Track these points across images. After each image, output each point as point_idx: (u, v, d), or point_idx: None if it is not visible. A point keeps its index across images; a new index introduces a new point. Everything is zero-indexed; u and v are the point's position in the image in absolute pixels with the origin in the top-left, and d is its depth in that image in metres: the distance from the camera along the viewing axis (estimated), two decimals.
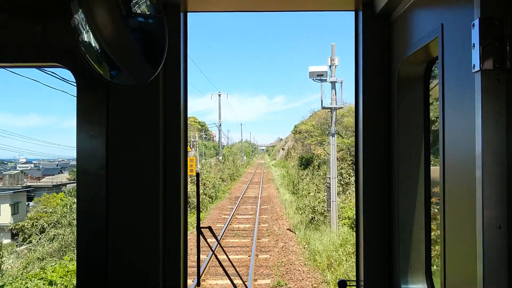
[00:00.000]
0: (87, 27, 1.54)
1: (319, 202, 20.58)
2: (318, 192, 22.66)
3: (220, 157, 54.62)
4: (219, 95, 57.85)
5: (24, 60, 2.06)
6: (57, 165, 72.41)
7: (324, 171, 28.18)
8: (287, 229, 19.25)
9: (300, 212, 21.62)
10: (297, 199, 27.12)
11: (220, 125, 57.18)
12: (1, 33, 1.98)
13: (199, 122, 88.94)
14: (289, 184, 37.18)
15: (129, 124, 2.04)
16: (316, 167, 33.41)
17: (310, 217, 19.71)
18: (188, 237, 2.22)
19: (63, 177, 58.69)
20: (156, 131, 2.04)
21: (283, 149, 76.45)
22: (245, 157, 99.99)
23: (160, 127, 2.05)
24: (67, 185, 47.54)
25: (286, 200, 28.63)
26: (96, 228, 2.01)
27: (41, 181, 57.60)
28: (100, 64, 1.64)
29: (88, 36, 1.56)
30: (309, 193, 24.87)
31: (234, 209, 24.29)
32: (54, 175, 61.55)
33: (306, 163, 41.86)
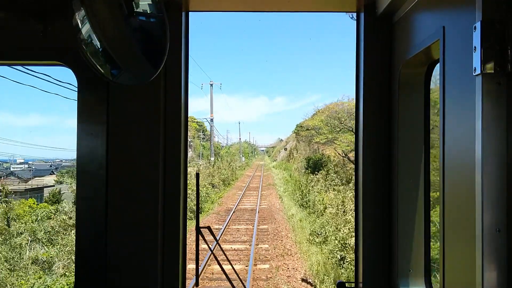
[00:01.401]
0: (89, 26, 1.53)
1: (350, 230, 12.24)
2: (344, 212, 14.35)
3: (212, 158, 45.10)
4: (211, 85, 49.53)
5: (25, 59, 2.08)
6: (50, 166, 68.31)
7: (347, 178, 19.93)
8: (302, 279, 10.93)
9: (318, 241, 13.41)
10: (308, 217, 19.04)
11: (212, 121, 48.18)
12: (3, 31, 1.99)
13: (197, 122, 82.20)
14: (295, 192, 29.49)
15: (130, 123, 2.05)
16: (331, 171, 25.14)
17: (339, 256, 11.39)
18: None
19: (51, 179, 53.75)
20: (156, 131, 2.05)
21: (285, 149, 68.66)
22: (243, 158, 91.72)
23: (160, 127, 2.06)
24: (45, 188, 39.13)
25: (293, 216, 20.40)
26: (96, 227, 2.01)
27: (27, 183, 52.61)
28: (101, 63, 1.63)
29: (89, 35, 1.55)
30: (326, 208, 16.76)
31: (221, 232, 16.12)
32: (43, 176, 58.18)
33: (314, 165, 33.42)
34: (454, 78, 1.36)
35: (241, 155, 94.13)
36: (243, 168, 71.60)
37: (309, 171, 33.19)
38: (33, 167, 66.46)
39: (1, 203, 19.60)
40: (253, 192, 33.59)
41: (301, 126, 55.19)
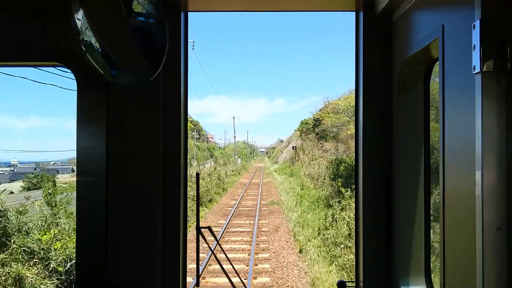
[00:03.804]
0: (88, 26, 1.58)
1: None
2: None
3: None
4: None
5: (24, 59, 2.12)
6: (35, 169, 66.09)
7: None
8: None
9: None
10: None
11: None
12: (2, 32, 2.06)
13: (191, 121, 70.89)
14: (328, 230, 14.22)
15: (130, 123, 2.10)
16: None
17: None
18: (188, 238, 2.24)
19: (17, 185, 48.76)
20: (156, 131, 2.11)
21: (293, 148, 53.84)
22: (239, 160, 76.89)
23: (160, 127, 2.12)
24: None
25: None
26: (96, 227, 2.07)
27: None
28: (101, 64, 1.67)
29: (88, 36, 1.60)
30: None
31: None
32: (14, 181, 52.21)
33: (348, 174, 20.35)
34: (453, 77, 1.40)
35: (235, 157, 79.03)
36: (237, 172, 58.79)
37: (339, 183, 18.37)
38: (15, 170, 64.98)
39: None
40: (246, 222, 18.67)
41: (306, 123, 49.01)
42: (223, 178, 37.42)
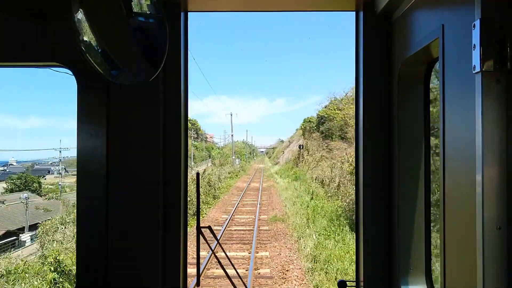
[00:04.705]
0: (88, 27, 1.61)
1: None
2: None
3: None
4: None
5: (24, 59, 2.16)
6: (27, 169, 68.27)
7: None
8: None
9: None
10: None
11: None
12: (2, 32, 2.11)
13: (189, 120, 68.46)
14: None
15: (130, 123, 2.15)
16: None
17: None
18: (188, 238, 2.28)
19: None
20: (156, 131, 2.15)
21: (300, 146, 50.66)
22: (238, 160, 76.50)
23: (160, 127, 2.17)
24: None
25: None
26: (96, 228, 2.12)
27: None
28: (101, 64, 1.71)
29: (88, 36, 1.63)
30: None
31: None
32: (2, 181, 53.65)
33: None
34: (453, 76, 1.42)
35: (233, 157, 78.34)
36: (234, 175, 54.89)
37: None
38: (7, 170, 65.57)
39: None
40: (237, 253, 13.69)
41: (310, 121, 48.32)
42: (214, 184, 32.41)
